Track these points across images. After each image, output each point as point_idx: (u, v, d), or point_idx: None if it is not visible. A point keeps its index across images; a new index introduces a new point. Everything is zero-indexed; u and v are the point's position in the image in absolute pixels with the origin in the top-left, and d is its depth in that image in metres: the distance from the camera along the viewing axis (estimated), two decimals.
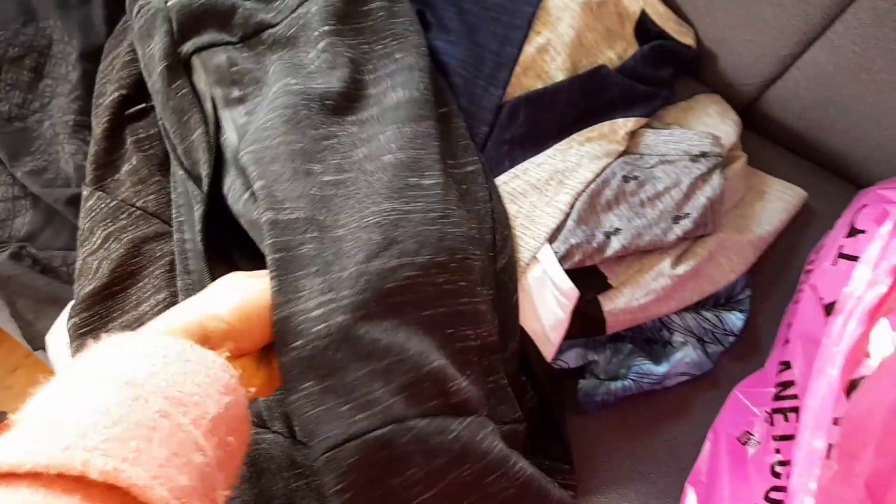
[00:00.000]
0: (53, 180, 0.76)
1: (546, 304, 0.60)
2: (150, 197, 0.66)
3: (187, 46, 0.60)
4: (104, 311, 0.62)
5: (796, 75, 0.71)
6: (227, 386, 0.36)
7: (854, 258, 0.50)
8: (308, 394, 0.44)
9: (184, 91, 0.60)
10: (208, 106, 0.59)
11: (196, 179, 0.59)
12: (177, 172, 0.65)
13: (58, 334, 0.69)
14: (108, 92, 0.70)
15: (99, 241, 0.65)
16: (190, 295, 0.61)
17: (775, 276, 0.70)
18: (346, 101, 0.59)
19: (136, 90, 0.70)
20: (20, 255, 0.73)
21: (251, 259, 0.57)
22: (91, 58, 0.77)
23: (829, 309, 0.50)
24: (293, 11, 0.64)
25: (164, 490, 0.28)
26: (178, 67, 0.60)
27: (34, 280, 0.72)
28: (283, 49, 0.63)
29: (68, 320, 0.62)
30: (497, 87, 0.66)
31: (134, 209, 0.66)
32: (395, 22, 0.65)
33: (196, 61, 0.60)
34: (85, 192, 0.67)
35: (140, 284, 0.63)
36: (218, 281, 0.46)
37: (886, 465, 0.33)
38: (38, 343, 0.74)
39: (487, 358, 0.55)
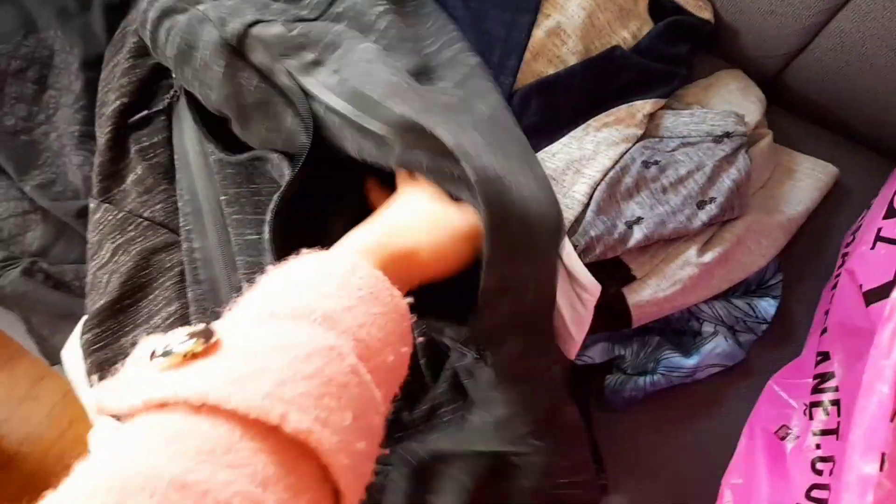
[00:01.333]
0: (62, 193, 0.75)
1: (567, 299, 0.58)
2: (157, 206, 0.65)
3: (234, 26, 0.53)
4: (116, 325, 0.61)
5: (822, 45, 0.68)
6: (404, 335, 0.36)
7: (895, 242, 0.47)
8: (512, 350, 0.46)
9: (254, 81, 0.54)
10: (283, 79, 0.53)
11: (294, 159, 0.54)
12: (182, 180, 0.64)
13: (73, 350, 0.69)
14: (109, 101, 0.68)
15: (108, 255, 0.63)
16: (202, 305, 0.60)
17: (808, 258, 0.67)
18: (430, 71, 0.57)
19: (138, 97, 0.68)
20: (32, 271, 0.72)
21: None
22: (93, 66, 0.75)
23: (868, 297, 0.47)
24: (330, 6, 0.60)
25: (346, 458, 0.28)
26: (236, 59, 0.54)
27: (47, 296, 0.71)
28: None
29: (81, 336, 0.62)
30: (507, 75, 0.64)
31: (141, 220, 0.64)
32: (427, 11, 0.63)
33: (250, 40, 0.54)
34: (92, 205, 0.66)
35: (151, 297, 0.62)
36: (412, 205, 0.45)
37: None
38: (54, 358, 0.74)
39: None
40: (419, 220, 0.43)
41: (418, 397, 0.58)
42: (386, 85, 0.50)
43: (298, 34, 0.54)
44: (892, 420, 0.35)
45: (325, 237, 0.45)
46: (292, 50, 0.53)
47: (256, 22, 0.54)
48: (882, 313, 0.41)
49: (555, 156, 0.62)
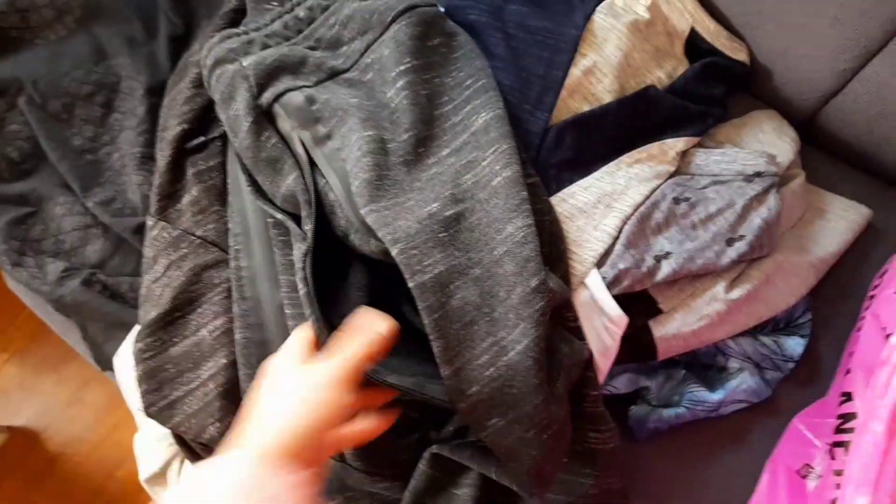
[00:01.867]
0: (121, 210, 0.80)
1: (594, 330, 0.60)
2: (210, 226, 0.69)
3: (266, 96, 0.62)
4: (166, 336, 0.65)
5: (857, 89, 0.69)
6: None
7: None
8: (496, 429, 0.50)
9: (273, 141, 0.61)
10: (298, 148, 0.60)
11: (297, 220, 0.60)
12: (233, 203, 0.68)
13: (124, 357, 0.73)
14: (170, 126, 0.73)
15: (162, 269, 0.68)
16: (246, 321, 0.63)
17: (838, 299, 0.67)
18: (433, 137, 0.60)
19: (197, 124, 0.73)
20: (91, 282, 0.77)
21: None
22: (156, 93, 0.80)
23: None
24: (362, 55, 0.65)
25: None
26: (263, 120, 0.62)
27: (104, 306, 0.76)
28: (359, 90, 0.64)
29: (133, 345, 0.66)
30: (543, 110, 0.66)
31: (195, 238, 0.69)
32: (457, 55, 0.66)
33: (277, 108, 0.62)
34: (149, 222, 0.71)
35: (200, 310, 0.66)
36: (288, 395, 0.46)
37: None
38: (105, 364, 0.78)
39: None
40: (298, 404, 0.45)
41: (446, 419, 0.60)
42: (363, 183, 0.55)
43: (316, 108, 0.61)
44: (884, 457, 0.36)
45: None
46: (309, 123, 0.60)
47: (286, 92, 0.61)
48: None
49: (586, 189, 0.64)
